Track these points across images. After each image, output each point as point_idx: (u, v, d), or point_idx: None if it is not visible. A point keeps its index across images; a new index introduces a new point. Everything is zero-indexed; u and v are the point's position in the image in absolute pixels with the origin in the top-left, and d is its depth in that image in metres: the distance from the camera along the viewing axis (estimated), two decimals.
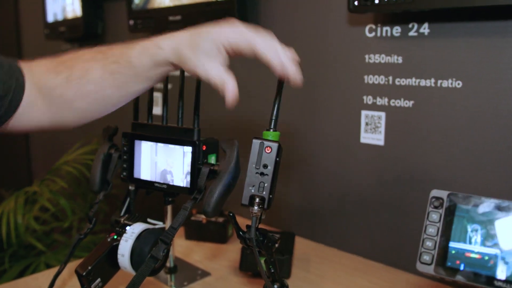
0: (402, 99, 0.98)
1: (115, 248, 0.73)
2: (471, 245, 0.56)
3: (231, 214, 0.63)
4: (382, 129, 1.02)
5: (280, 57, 0.56)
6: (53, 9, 1.98)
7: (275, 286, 0.66)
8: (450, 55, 0.90)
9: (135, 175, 0.80)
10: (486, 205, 0.56)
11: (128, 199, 0.84)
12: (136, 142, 0.79)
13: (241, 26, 0.58)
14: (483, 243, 0.55)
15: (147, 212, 0.81)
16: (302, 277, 0.98)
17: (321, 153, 1.15)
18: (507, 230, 0.55)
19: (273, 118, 0.62)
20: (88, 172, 1.63)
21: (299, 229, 1.21)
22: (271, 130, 0.61)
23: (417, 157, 0.97)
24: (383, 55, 1.00)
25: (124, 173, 0.81)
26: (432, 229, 0.58)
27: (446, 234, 0.57)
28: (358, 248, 1.10)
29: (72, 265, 0.90)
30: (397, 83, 0.99)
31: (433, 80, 0.93)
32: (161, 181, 0.77)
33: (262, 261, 0.64)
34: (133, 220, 0.77)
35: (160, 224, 0.79)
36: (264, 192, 0.59)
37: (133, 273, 0.71)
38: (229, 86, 0.60)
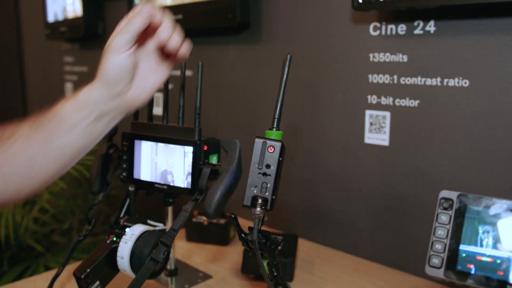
0: (407, 99, 0.97)
1: (114, 250, 0.71)
2: (482, 248, 0.54)
3: (232, 216, 0.62)
4: (387, 129, 1.01)
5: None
6: (53, 9, 1.97)
7: None
8: (457, 53, 0.89)
9: (135, 176, 0.78)
10: (498, 206, 0.54)
11: (128, 200, 0.82)
12: (136, 142, 0.78)
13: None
14: (495, 246, 0.53)
15: (147, 213, 0.80)
16: (305, 279, 0.96)
17: (324, 153, 1.13)
18: None
19: (276, 117, 0.61)
20: (88, 172, 1.62)
21: (302, 230, 1.19)
22: (274, 129, 0.60)
23: (422, 158, 0.96)
24: (387, 54, 0.99)
25: (124, 174, 0.79)
26: (442, 231, 0.56)
27: (456, 236, 0.55)
28: (362, 250, 1.08)
29: (71, 267, 0.88)
30: (402, 82, 0.97)
31: (439, 79, 0.92)
32: (162, 182, 0.76)
33: (265, 263, 0.63)
34: (133, 221, 0.76)
35: (160, 226, 0.78)
36: (266, 193, 0.58)
37: (133, 276, 0.69)
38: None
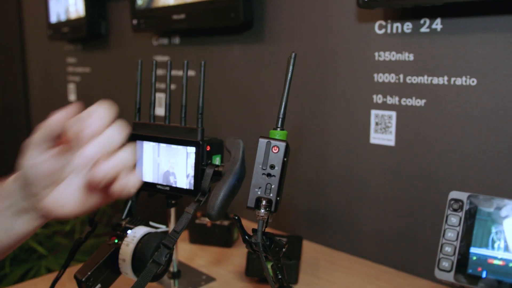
0: (413, 98, 0.95)
1: (116, 252, 0.70)
2: (494, 250, 0.52)
3: (236, 218, 0.61)
4: (393, 129, 0.99)
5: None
6: (56, 10, 1.97)
7: None
8: (464, 52, 0.87)
9: None
10: (510, 208, 0.52)
11: (129, 202, 0.81)
12: (138, 142, 0.77)
13: None
14: (507, 249, 0.52)
15: (151, 215, 0.79)
16: (310, 282, 0.95)
17: (329, 153, 1.12)
18: None
19: (280, 116, 0.59)
20: None
21: (307, 232, 1.18)
22: (278, 129, 0.59)
23: (429, 158, 0.94)
24: (393, 53, 0.97)
25: None
26: (451, 234, 0.54)
27: (466, 239, 0.53)
28: (368, 252, 1.07)
29: (73, 269, 0.87)
30: (408, 81, 0.95)
31: (446, 78, 0.90)
32: (164, 183, 0.74)
33: (269, 266, 0.61)
34: (135, 223, 0.75)
35: (162, 228, 0.77)
36: (271, 194, 0.57)
37: (135, 278, 0.69)
38: None
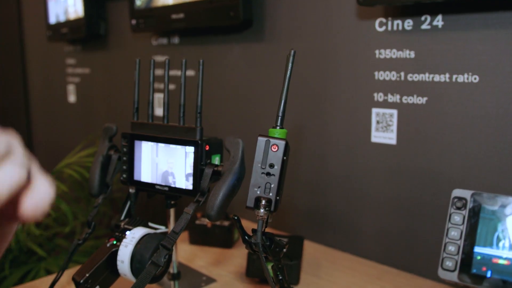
0: (415, 96, 0.94)
1: (115, 254, 0.69)
2: (498, 250, 0.51)
3: (235, 218, 0.60)
4: (394, 127, 0.98)
5: None
6: (55, 11, 1.96)
7: None
8: (466, 49, 0.86)
9: (135, 177, 0.76)
10: None
11: (128, 203, 0.80)
12: (136, 142, 0.76)
13: None
14: None
15: (150, 216, 0.78)
16: (311, 283, 0.94)
17: (329, 152, 1.11)
18: None
19: (280, 114, 0.58)
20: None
21: (308, 232, 1.17)
22: (278, 127, 0.58)
23: (431, 156, 0.93)
24: (394, 50, 0.96)
25: (124, 175, 0.77)
26: (455, 232, 0.53)
27: (470, 238, 0.52)
28: (370, 252, 1.06)
29: (72, 271, 0.86)
30: (409, 79, 0.94)
31: (447, 75, 0.89)
32: (163, 183, 0.73)
33: (269, 267, 0.61)
34: (134, 224, 0.74)
35: (162, 229, 0.76)
36: (270, 194, 0.56)
37: (134, 280, 0.68)
38: None
